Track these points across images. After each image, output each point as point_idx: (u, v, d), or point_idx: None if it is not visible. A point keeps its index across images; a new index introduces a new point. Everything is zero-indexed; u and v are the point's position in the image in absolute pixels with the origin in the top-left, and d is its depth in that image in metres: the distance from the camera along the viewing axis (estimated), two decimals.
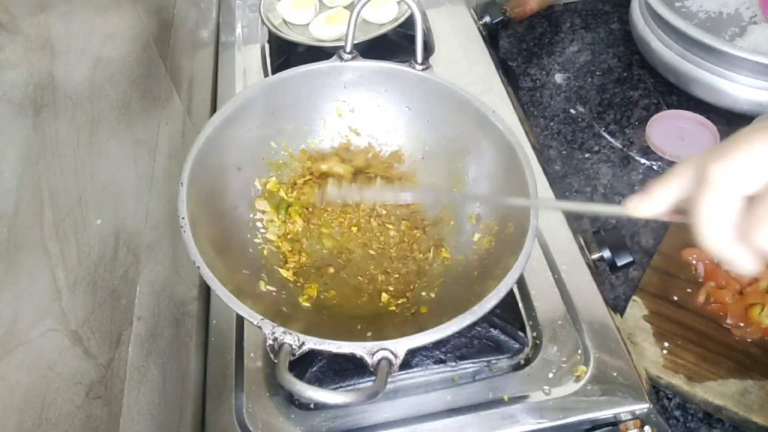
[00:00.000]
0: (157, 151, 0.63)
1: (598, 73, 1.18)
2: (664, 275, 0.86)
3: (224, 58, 0.99)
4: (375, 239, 0.67)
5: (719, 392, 0.74)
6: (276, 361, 0.43)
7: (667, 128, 1.03)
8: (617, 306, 0.82)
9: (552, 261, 0.67)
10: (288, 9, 0.97)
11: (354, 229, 0.67)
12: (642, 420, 0.56)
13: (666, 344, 0.79)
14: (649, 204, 0.37)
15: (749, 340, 0.78)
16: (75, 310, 0.42)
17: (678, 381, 0.75)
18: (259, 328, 0.46)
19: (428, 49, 0.95)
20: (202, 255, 0.49)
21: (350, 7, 0.97)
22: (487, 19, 1.03)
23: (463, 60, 0.93)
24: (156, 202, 0.60)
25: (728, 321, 0.80)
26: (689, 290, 0.84)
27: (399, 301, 0.61)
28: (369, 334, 0.54)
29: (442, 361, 0.59)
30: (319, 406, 0.58)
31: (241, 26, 1.06)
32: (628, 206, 0.38)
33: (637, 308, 0.82)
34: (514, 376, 0.59)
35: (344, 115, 0.70)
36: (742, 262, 0.33)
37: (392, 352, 0.44)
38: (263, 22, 0.96)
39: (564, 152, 1.04)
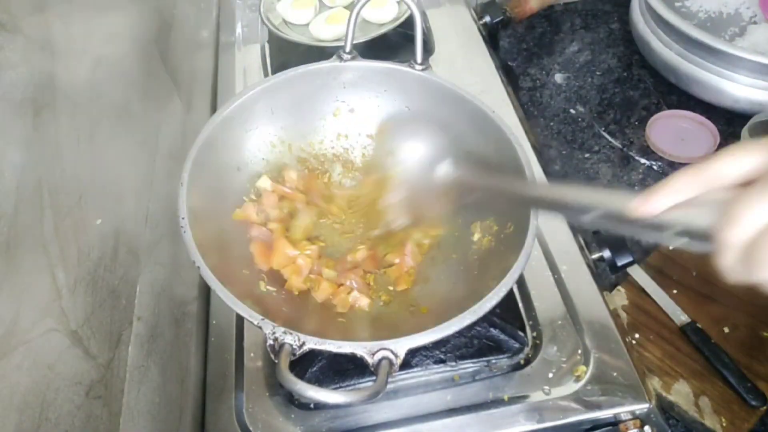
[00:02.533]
0: (157, 151, 0.63)
1: (598, 73, 1.18)
2: (657, 273, 0.87)
3: (224, 58, 0.99)
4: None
5: (675, 389, 0.75)
6: (276, 360, 0.43)
7: (667, 128, 1.03)
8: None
9: (552, 261, 0.67)
10: (288, 9, 0.97)
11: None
12: (642, 420, 0.56)
13: (636, 335, 0.80)
14: (652, 203, 0.36)
15: None
16: (75, 310, 0.42)
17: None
18: (260, 328, 0.46)
19: (428, 49, 0.95)
20: (202, 255, 0.49)
21: (350, 7, 0.97)
22: (487, 19, 1.03)
23: (463, 60, 0.93)
24: (156, 202, 0.60)
25: None
26: (675, 291, 0.85)
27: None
28: (369, 333, 0.54)
29: (442, 361, 0.59)
30: (319, 406, 0.58)
31: (241, 26, 1.06)
32: (633, 205, 0.37)
33: (618, 297, 0.83)
34: (514, 376, 0.59)
35: (344, 115, 0.70)
36: None
37: (393, 352, 0.44)
38: (263, 22, 0.96)
39: (564, 152, 1.04)
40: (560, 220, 0.71)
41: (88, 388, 0.41)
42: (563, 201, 0.45)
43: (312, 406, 0.58)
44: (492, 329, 0.59)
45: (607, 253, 0.68)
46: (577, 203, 0.43)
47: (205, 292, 0.68)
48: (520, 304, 0.63)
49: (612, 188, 0.60)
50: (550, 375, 0.58)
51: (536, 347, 0.60)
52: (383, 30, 0.91)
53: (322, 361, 0.58)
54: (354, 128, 0.71)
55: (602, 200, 0.40)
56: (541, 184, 0.64)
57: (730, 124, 1.01)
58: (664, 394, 0.76)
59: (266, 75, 0.95)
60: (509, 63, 1.17)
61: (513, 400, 0.57)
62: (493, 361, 0.59)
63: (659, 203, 0.36)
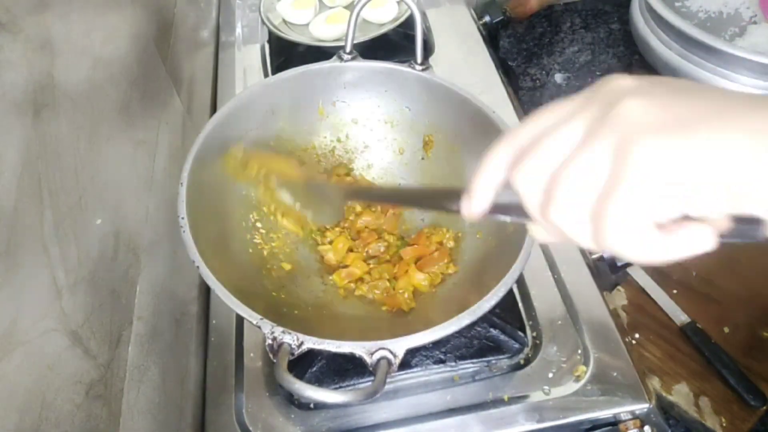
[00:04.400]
0: (157, 151, 0.63)
1: (598, 73, 1.18)
2: (657, 273, 0.87)
3: (224, 58, 0.99)
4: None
5: (675, 389, 0.75)
6: (275, 360, 0.43)
7: None
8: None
9: (552, 261, 0.67)
10: (288, 9, 0.97)
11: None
12: (642, 420, 0.56)
13: (637, 335, 0.80)
14: (476, 201, 0.33)
15: None
16: (75, 310, 0.42)
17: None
18: (259, 327, 0.46)
19: (428, 49, 0.95)
20: (202, 255, 0.49)
21: (350, 7, 0.97)
22: (487, 19, 1.03)
23: (463, 60, 0.93)
24: (156, 202, 0.60)
25: None
26: (675, 291, 0.85)
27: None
28: (368, 333, 0.54)
29: (442, 361, 0.59)
30: (319, 406, 0.58)
31: (241, 26, 1.06)
32: (463, 212, 0.34)
33: (618, 297, 0.83)
34: (514, 376, 0.59)
35: (344, 115, 0.70)
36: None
37: (391, 352, 0.44)
38: (263, 22, 0.96)
39: None
40: None
41: (88, 388, 0.41)
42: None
43: (312, 406, 0.58)
44: (492, 329, 0.59)
45: (607, 253, 0.68)
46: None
47: (205, 292, 0.68)
48: (520, 304, 0.63)
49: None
50: (550, 375, 0.58)
51: (536, 347, 0.60)
52: (383, 30, 0.91)
53: (322, 361, 0.58)
54: (355, 128, 0.71)
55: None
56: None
57: None
58: (664, 394, 0.76)
59: (266, 75, 0.95)
60: (509, 63, 1.17)
61: (513, 400, 0.57)
62: (493, 361, 0.59)
63: (483, 200, 0.33)
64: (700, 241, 0.26)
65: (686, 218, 0.26)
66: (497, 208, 0.34)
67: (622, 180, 0.26)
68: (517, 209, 0.32)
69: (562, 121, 0.29)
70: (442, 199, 0.38)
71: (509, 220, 0.34)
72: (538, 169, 0.29)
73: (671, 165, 0.25)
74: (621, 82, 0.29)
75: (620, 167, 0.26)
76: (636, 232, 0.26)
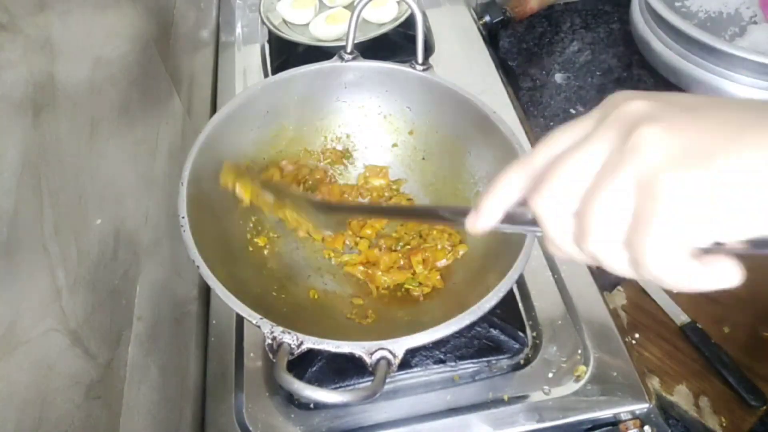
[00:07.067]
0: (157, 151, 0.63)
1: (598, 73, 1.18)
2: None
3: (224, 58, 0.99)
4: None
5: (675, 389, 0.75)
6: (274, 360, 0.43)
7: None
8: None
9: (552, 261, 0.67)
10: (288, 9, 0.97)
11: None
12: (642, 420, 0.56)
13: (637, 335, 0.80)
14: (483, 218, 0.34)
15: None
16: (75, 310, 0.42)
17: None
18: (258, 327, 0.46)
19: (428, 49, 0.94)
20: (202, 255, 0.49)
21: (350, 7, 0.97)
22: (487, 19, 1.03)
23: (463, 60, 0.93)
24: (156, 202, 0.60)
25: None
26: (675, 291, 0.84)
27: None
28: (368, 333, 0.54)
29: (442, 361, 0.59)
30: (319, 406, 0.58)
31: (241, 26, 1.06)
32: (468, 227, 0.35)
33: (618, 297, 0.83)
34: (514, 376, 0.59)
35: (344, 115, 0.70)
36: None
37: (391, 352, 0.44)
38: (263, 22, 0.96)
39: None
40: None
41: (88, 388, 0.41)
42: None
43: (312, 406, 0.58)
44: (492, 329, 0.59)
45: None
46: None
47: (205, 292, 0.68)
48: (520, 304, 0.63)
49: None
50: (550, 375, 0.58)
51: (536, 347, 0.60)
52: (383, 30, 0.91)
53: (322, 361, 0.58)
54: (355, 128, 0.71)
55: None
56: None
57: None
58: (664, 394, 0.76)
59: (266, 75, 0.95)
60: (509, 63, 1.17)
61: (513, 400, 0.57)
62: (493, 361, 0.59)
63: (491, 218, 0.33)
64: (731, 275, 0.27)
65: (717, 245, 0.27)
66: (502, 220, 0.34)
67: (653, 215, 0.26)
68: (521, 220, 0.33)
69: (578, 146, 0.30)
70: (447, 215, 0.39)
71: (513, 230, 0.34)
72: (559, 197, 0.30)
73: (696, 197, 0.25)
74: (633, 105, 0.29)
75: (648, 202, 0.26)
76: (674, 262, 0.27)
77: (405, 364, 0.57)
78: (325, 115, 0.70)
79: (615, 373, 0.58)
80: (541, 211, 0.31)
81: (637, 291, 0.86)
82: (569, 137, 0.31)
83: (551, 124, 1.08)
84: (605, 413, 0.56)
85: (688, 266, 0.27)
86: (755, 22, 1.08)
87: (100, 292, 0.46)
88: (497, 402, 0.57)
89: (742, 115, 0.26)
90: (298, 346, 0.44)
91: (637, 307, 0.84)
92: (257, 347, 0.62)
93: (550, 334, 0.61)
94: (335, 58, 0.67)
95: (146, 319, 0.53)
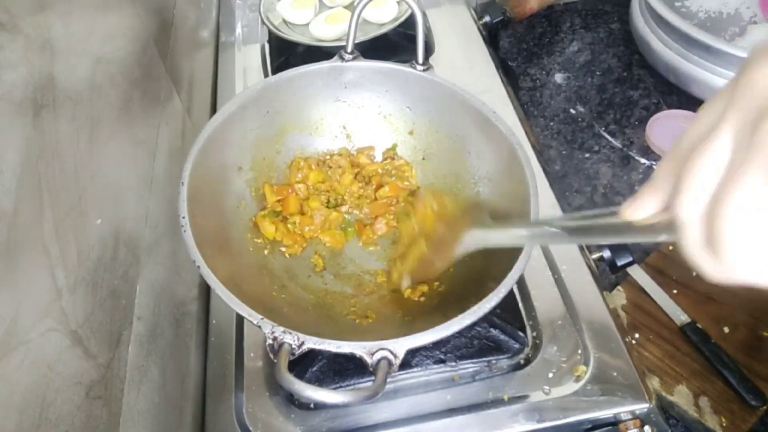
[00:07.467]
0: (157, 151, 0.63)
1: (598, 73, 1.18)
2: (657, 273, 0.87)
3: (224, 58, 0.99)
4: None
5: (676, 389, 0.75)
6: (275, 360, 0.43)
7: (667, 128, 1.03)
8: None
9: (552, 261, 0.67)
10: (288, 9, 0.97)
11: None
12: (642, 420, 0.56)
13: (637, 335, 0.80)
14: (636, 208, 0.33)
15: None
16: (75, 310, 0.42)
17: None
18: (259, 327, 0.46)
19: (428, 49, 0.94)
20: (202, 255, 0.49)
21: (350, 7, 0.97)
22: (487, 19, 1.03)
23: (463, 60, 0.93)
24: (156, 202, 0.60)
25: None
26: (675, 291, 0.85)
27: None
28: (368, 333, 0.54)
29: (442, 361, 0.59)
30: (319, 406, 0.58)
31: (241, 26, 1.06)
32: (624, 212, 0.34)
33: (618, 297, 0.83)
34: (514, 376, 0.59)
35: (345, 115, 0.70)
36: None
37: (392, 352, 0.44)
38: (263, 22, 0.96)
39: (564, 152, 1.04)
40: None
41: (88, 388, 0.41)
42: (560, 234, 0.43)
43: (312, 406, 0.58)
44: (492, 329, 0.59)
45: (607, 253, 0.68)
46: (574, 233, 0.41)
47: (205, 292, 0.68)
48: (520, 304, 0.63)
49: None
50: (550, 375, 0.58)
51: (536, 347, 0.60)
52: (383, 30, 0.91)
53: (322, 361, 0.58)
54: (355, 128, 0.71)
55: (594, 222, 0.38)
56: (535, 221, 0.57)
57: None
58: (664, 394, 0.76)
59: (266, 75, 0.95)
60: (509, 63, 1.17)
61: (513, 400, 0.57)
62: (493, 361, 0.59)
63: (644, 210, 0.33)
64: None
65: None
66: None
67: None
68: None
69: (707, 134, 0.29)
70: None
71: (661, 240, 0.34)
72: (697, 200, 0.28)
73: None
74: (763, 84, 0.27)
75: None
76: None
77: (405, 364, 0.57)
78: (325, 115, 0.70)
79: (615, 373, 0.58)
80: (682, 216, 0.29)
81: (637, 291, 0.86)
82: (703, 122, 0.30)
83: (551, 124, 1.08)
84: (605, 413, 0.56)
85: None
86: (755, 22, 1.08)
87: (100, 292, 0.46)
88: (497, 402, 0.57)
89: None
90: (299, 346, 0.44)
91: (637, 307, 0.84)
92: (257, 347, 0.62)
93: (550, 334, 0.61)
94: (335, 58, 0.67)
95: (146, 319, 0.53)
